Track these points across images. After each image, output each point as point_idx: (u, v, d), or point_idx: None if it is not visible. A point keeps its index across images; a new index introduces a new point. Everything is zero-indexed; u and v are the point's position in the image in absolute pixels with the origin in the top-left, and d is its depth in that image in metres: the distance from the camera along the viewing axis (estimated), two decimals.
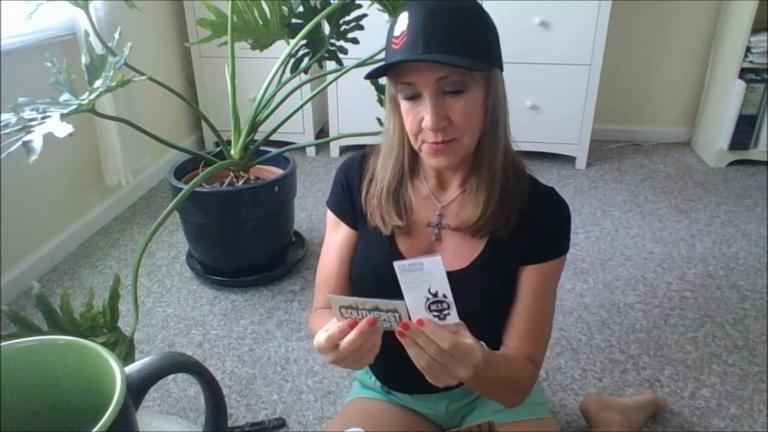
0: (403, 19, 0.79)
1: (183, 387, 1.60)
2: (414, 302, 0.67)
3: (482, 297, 0.91)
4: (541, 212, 0.90)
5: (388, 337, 0.70)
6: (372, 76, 0.81)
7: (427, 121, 0.79)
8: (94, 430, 0.41)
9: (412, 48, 0.77)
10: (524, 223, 0.89)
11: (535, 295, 0.90)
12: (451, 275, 0.90)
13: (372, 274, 0.96)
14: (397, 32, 0.80)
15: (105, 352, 0.49)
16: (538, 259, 0.90)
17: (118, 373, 0.47)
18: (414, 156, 0.91)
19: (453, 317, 0.68)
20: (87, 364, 0.50)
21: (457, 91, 0.78)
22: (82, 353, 0.50)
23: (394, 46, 0.80)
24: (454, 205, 0.92)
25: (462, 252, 0.92)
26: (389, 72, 0.82)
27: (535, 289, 0.90)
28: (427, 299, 0.67)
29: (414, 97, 0.80)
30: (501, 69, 0.84)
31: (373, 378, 1.11)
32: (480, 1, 0.83)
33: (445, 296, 0.66)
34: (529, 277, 0.90)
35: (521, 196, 0.89)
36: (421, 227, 0.94)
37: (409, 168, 0.92)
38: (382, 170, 0.93)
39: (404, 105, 0.82)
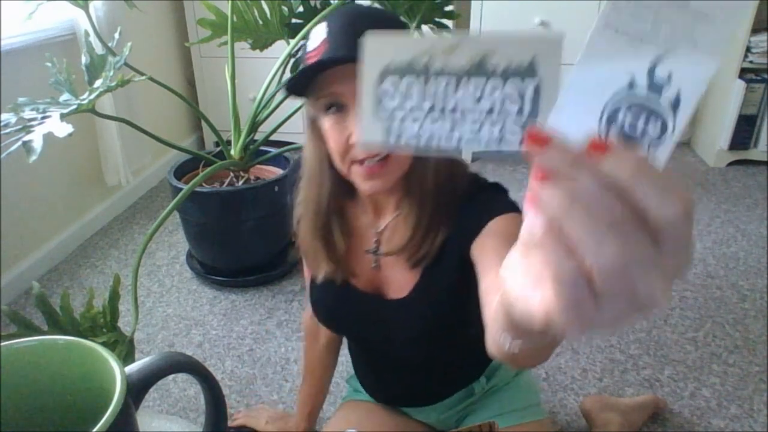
0: (320, 30, 0.72)
1: (183, 387, 1.60)
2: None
3: (430, 322, 0.85)
4: (466, 207, 0.80)
5: (375, 355, 0.64)
6: (291, 90, 0.74)
7: (355, 136, 0.71)
8: (94, 430, 0.41)
9: (333, 54, 0.70)
10: (453, 234, 0.80)
11: (500, 257, 0.69)
12: (392, 305, 0.87)
13: (327, 300, 0.92)
14: (313, 45, 0.72)
15: (105, 352, 0.49)
16: (476, 231, 0.75)
17: (118, 373, 0.47)
18: (342, 182, 0.81)
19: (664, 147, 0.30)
20: (87, 364, 0.50)
21: None
22: (82, 353, 0.50)
23: (309, 60, 0.72)
24: (387, 230, 0.86)
25: (402, 280, 0.86)
26: (310, 89, 0.74)
27: (498, 250, 0.71)
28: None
29: (339, 110, 0.73)
30: None
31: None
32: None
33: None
34: (484, 247, 0.74)
35: (454, 215, 0.80)
36: (362, 253, 0.89)
37: (339, 195, 0.84)
38: (305, 206, 0.87)
39: (328, 122, 0.74)
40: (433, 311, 0.84)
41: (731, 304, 1.91)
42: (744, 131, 2.86)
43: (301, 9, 1.89)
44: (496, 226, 0.74)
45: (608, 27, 0.28)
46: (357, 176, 0.75)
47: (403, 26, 0.78)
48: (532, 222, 0.28)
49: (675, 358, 1.67)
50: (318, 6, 1.91)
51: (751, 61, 2.74)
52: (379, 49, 0.32)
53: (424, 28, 1.87)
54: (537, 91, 0.30)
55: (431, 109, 0.31)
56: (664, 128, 0.29)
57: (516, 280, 0.31)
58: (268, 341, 1.78)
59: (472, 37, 0.30)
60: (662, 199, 0.25)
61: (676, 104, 0.28)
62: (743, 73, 2.78)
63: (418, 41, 0.31)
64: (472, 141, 0.31)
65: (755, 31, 2.69)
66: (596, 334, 0.29)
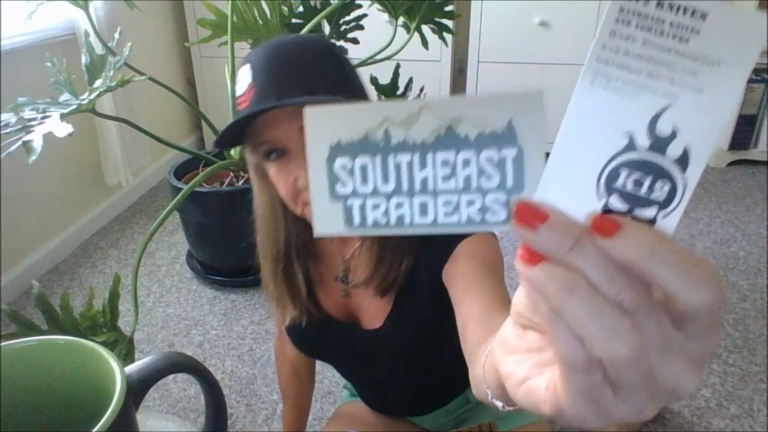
0: (246, 73, 0.68)
1: (183, 387, 1.60)
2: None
3: (408, 351, 0.84)
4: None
5: (360, 377, 0.61)
6: (225, 144, 0.71)
7: (303, 178, 0.67)
8: (94, 430, 0.41)
9: (262, 100, 0.65)
10: (420, 260, 0.78)
11: (475, 282, 0.66)
12: (367, 336, 0.85)
13: (302, 329, 0.89)
14: (241, 90, 0.68)
15: (105, 352, 0.49)
16: (445, 255, 0.73)
17: (118, 373, 0.47)
18: (299, 219, 0.78)
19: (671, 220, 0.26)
20: (87, 364, 0.50)
21: None
22: (82, 353, 0.50)
23: (241, 107, 0.68)
24: (354, 259, 0.83)
25: (374, 308, 0.83)
26: (246, 136, 0.70)
27: (469, 275, 0.68)
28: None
29: (280, 155, 0.69)
30: None
31: None
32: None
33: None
34: (455, 273, 0.71)
35: (417, 241, 0.77)
36: (331, 280, 0.86)
37: (300, 231, 0.81)
38: (262, 253, 0.85)
39: (272, 169, 0.71)
40: (410, 341, 0.82)
41: (731, 304, 1.91)
42: (744, 131, 2.86)
43: (301, 9, 1.89)
44: (464, 249, 0.71)
45: (595, 84, 0.24)
46: (310, 216, 0.72)
47: (335, 55, 0.69)
48: (530, 297, 0.24)
49: None
50: (318, 6, 1.91)
51: None
52: (323, 125, 0.26)
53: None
54: (518, 162, 0.25)
55: (394, 192, 0.26)
56: (673, 191, 0.25)
57: (515, 361, 0.27)
58: (268, 341, 1.78)
59: (434, 102, 0.25)
60: (687, 285, 0.22)
61: (684, 161, 0.24)
62: None
63: (369, 111, 0.26)
64: (449, 224, 0.26)
65: None
66: (620, 422, 0.28)
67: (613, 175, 0.25)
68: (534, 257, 0.24)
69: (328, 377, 1.61)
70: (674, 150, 0.24)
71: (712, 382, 1.58)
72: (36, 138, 1.13)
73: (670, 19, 0.23)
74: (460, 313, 0.64)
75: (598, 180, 0.25)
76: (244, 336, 1.81)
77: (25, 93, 1.45)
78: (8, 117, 1.25)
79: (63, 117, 1.21)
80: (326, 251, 0.86)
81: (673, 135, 0.24)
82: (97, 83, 1.36)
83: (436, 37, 1.90)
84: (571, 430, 1.45)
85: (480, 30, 2.77)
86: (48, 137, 1.14)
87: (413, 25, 1.83)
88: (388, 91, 1.89)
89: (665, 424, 1.45)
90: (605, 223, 0.23)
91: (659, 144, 0.24)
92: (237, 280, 2.05)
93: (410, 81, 1.96)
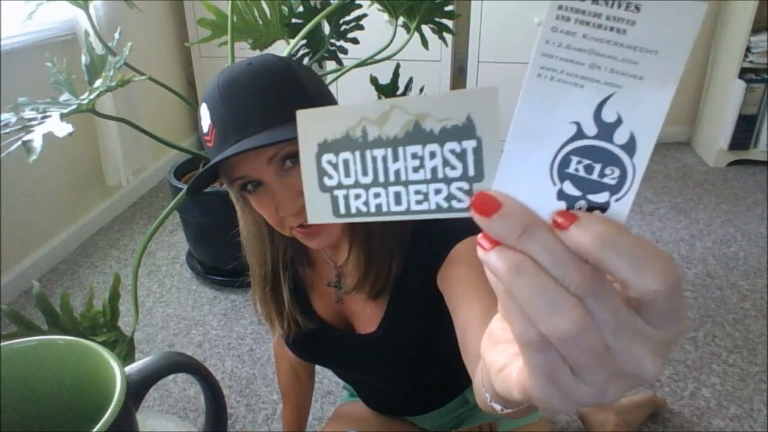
0: (205, 113, 0.69)
1: (183, 387, 1.60)
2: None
3: (403, 355, 0.84)
4: (421, 234, 0.77)
5: (358, 380, 0.60)
6: (197, 189, 0.71)
7: (283, 209, 0.68)
8: (94, 430, 0.41)
9: (224, 141, 0.66)
10: (411, 263, 0.78)
11: (471, 288, 0.65)
12: (362, 340, 0.85)
13: (298, 335, 0.89)
14: (204, 128, 0.69)
15: (105, 352, 0.49)
16: (437, 259, 0.73)
17: (118, 373, 0.47)
18: (286, 238, 0.77)
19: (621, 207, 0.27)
20: (87, 364, 0.50)
21: (297, 159, 0.66)
22: (82, 353, 0.50)
23: (208, 145, 0.69)
24: (346, 265, 0.82)
25: (367, 313, 0.84)
26: (218, 174, 0.71)
27: (464, 279, 0.68)
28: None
29: (256, 187, 0.69)
30: None
31: None
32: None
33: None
34: (450, 278, 0.71)
35: (406, 245, 0.77)
36: (324, 287, 0.87)
37: (286, 251, 0.83)
38: (252, 270, 0.86)
39: (253, 199, 0.71)
40: (405, 343, 0.82)
41: (731, 304, 1.91)
42: (744, 131, 2.86)
43: (301, 9, 1.89)
44: (459, 252, 0.71)
45: (542, 76, 0.25)
46: (300, 237, 0.72)
47: (287, 73, 0.69)
48: (490, 279, 0.26)
49: (675, 358, 1.67)
50: (318, 6, 1.91)
51: (751, 61, 2.74)
52: (311, 125, 0.30)
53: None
54: (478, 152, 0.27)
55: (372, 183, 0.29)
56: (623, 176, 0.26)
57: (498, 351, 0.29)
58: (268, 341, 1.78)
59: (403, 102, 0.28)
60: (637, 272, 0.23)
61: (631, 147, 0.25)
62: (743, 73, 2.78)
63: (348, 112, 0.29)
64: (420, 211, 0.29)
65: (755, 31, 2.69)
66: (585, 406, 0.28)
67: (565, 162, 0.26)
68: (491, 242, 0.25)
69: (328, 377, 1.61)
70: (620, 136, 0.25)
71: (712, 382, 1.58)
72: (36, 138, 1.13)
73: (606, 13, 0.24)
74: (458, 320, 0.64)
75: (551, 167, 0.26)
76: (244, 336, 1.81)
77: (25, 93, 1.45)
78: (8, 117, 1.25)
79: (63, 117, 1.21)
80: (319, 258, 0.86)
81: (618, 122, 0.25)
82: (97, 83, 1.36)
83: (436, 37, 1.90)
84: (570, 430, 1.45)
85: (480, 30, 2.77)
86: (48, 137, 1.14)
87: (413, 25, 1.83)
88: (388, 91, 1.89)
89: (665, 424, 1.45)
90: (565, 216, 0.25)
91: (605, 131, 0.25)
92: (237, 280, 2.04)
93: (410, 81, 1.96)
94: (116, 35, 1.55)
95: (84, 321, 1.16)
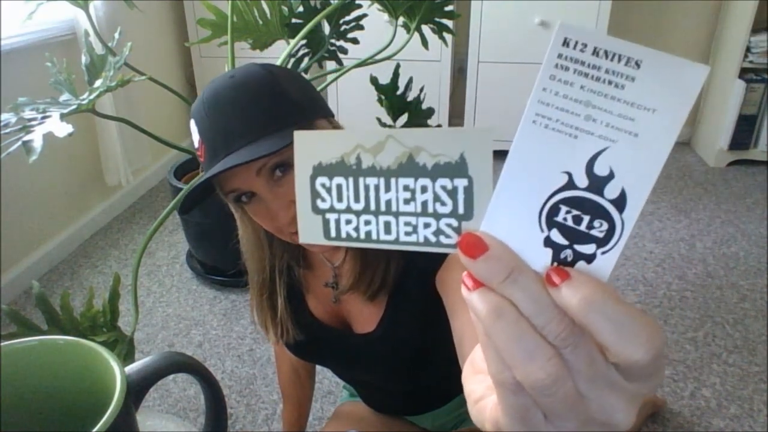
0: (193, 128, 0.70)
1: (183, 387, 1.60)
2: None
3: (402, 355, 0.84)
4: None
5: (357, 380, 0.61)
6: (189, 208, 0.73)
7: (276, 219, 0.69)
8: (94, 430, 0.41)
9: (213, 157, 0.67)
10: (409, 263, 0.78)
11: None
12: (360, 340, 0.85)
13: (296, 336, 0.90)
14: (195, 144, 0.71)
15: (105, 352, 0.49)
16: (435, 261, 0.73)
17: (118, 373, 0.47)
18: (285, 242, 0.78)
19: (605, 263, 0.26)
20: (87, 364, 0.50)
21: (286, 168, 0.67)
22: (82, 353, 0.50)
23: (201, 159, 0.71)
24: (343, 265, 0.84)
25: (365, 313, 0.84)
26: (212, 188, 0.73)
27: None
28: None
29: (251, 197, 0.70)
30: (328, 115, 0.73)
31: None
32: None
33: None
34: (447, 282, 0.70)
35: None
36: (322, 288, 0.87)
37: (283, 255, 0.83)
38: (250, 275, 0.87)
39: (249, 210, 0.72)
40: (403, 343, 0.82)
41: (731, 304, 1.91)
42: (744, 131, 2.86)
43: (301, 9, 1.89)
44: (456, 256, 0.70)
45: (536, 123, 0.25)
46: (299, 241, 0.73)
47: (271, 83, 0.69)
48: (472, 318, 0.26)
49: (675, 358, 1.67)
50: (318, 6, 1.91)
51: (751, 61, 2.74)
52: (308, 147, 0.30)
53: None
54: (468, 191, 0.27)
55: (363, 210, 0.29)
56: (611, 230, 0.25)
57: (478, 381, 0.29)
58: (268, 341, 1.78)
59: (398, 133, 0.28)
60: (620, 340, 0.22)
61: (621, 203, 0.25)
62: (743, 73, 2.79)
63: (344, 138, 0.29)
64: (408, 242, 0.29)
65: (755, 31, 2.69)
66: None
67: (554, 211, 0.26)
68: (475, 283, 0.25)
69: (328, 377, 1.61)
70: (611, 191, 0.25)
71: (712, 382, 1.58)
72: (36, 138, 1.13)
73: (606, 66, 0.24)
74: (455, 327, 0.64)
75: (540, 214, 0.26)
76: (244, 336, 1.81)
77: (25, 93, 1.45)
78: (8, 117, 1.25)
79: (63, 117, 1.21)
80: (317, 260, 0.86)
81: (610, 176, 0.25)
82: (97, 83, 1.36)
83: (436, 37, 1.90)
84: None
85: (480, 30, 2.77)
86: (48, 137, 1.14)
87: (413, 25, 1.83)
88: (388, 91, 1.89)
89: (665, 424, 1.45)
90: (557, 272, 0.24)
91: (597, 184, 0.25)
92: (237, 280, 2.05)
93: (410, 81, 1.96)
94: (116, 35, 1.55)
95: (84, 321, 1.16)
